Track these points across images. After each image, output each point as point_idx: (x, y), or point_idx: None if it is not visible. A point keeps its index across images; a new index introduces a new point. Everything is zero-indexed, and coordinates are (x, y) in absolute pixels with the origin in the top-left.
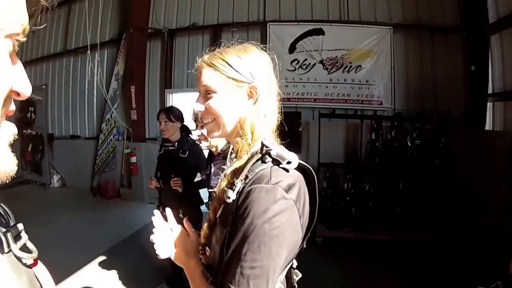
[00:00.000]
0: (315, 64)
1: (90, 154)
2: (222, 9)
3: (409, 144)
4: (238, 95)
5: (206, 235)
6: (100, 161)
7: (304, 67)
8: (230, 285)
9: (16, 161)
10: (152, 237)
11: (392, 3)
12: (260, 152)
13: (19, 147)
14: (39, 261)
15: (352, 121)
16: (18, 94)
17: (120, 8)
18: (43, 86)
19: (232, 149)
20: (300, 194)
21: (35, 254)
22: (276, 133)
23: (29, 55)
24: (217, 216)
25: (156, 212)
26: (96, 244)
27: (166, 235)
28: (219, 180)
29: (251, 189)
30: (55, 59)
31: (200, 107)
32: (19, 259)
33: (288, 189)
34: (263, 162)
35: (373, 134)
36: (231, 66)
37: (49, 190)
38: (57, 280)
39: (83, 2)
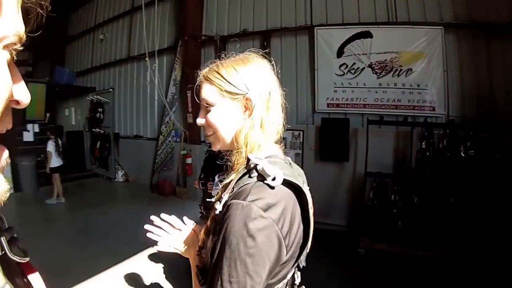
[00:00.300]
0: (363, 68)
1: (151, 154)
2: (270, 15)
3: (462, 154)
4: (234, 108)
5: (203, 240)
6: (159, 161)
7: (352, 71)
8: None
9: (8, 187)
10: (158, 231)
11: (442, 1)
12: (246, 166)
13: (89, 143)
14: (36, 271)
15: (403, 128)
16: (18, 102)
17: (177, 17)
18: (110, 90)
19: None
20: (285, 213)
21: (27, 257)
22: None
23: (98, 61)
24: (210, 227)
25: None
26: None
27: (175, 233)
28: (217, 191)
29: (230, 204)
30: (120, 64)
31: (201, 121)
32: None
33: (267, 208)
34: (250, 176)
35: (423, 143)
36: (225, 79)
37: (113, 184)
38: (110, 264)
39: (143, 12)
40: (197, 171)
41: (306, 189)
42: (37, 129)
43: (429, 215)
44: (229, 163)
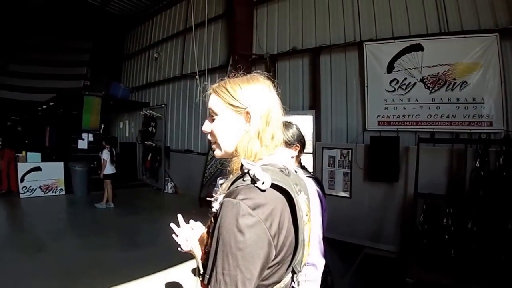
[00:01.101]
0: (415, 83)
1: (200, 168)
2: (319, 32)
3: None
4: (236, 119)
5: (207, 238)
6: (208, 175)
7: (403, 87)
8: (209, 286)
9: None
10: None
11: (496, 4)
12: (241, 171)
13: (141, 155)
14: None
15: (457, 146)
16: None
17: (228, 37)
18: (163, 105)
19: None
20: (273, 214)
21: None
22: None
23: (153, 78)
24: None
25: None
26: None
27: (189, 233)
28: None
29: (223, 202)
30: (173, 81)
31: (207, 128)
32: None
33: (255, 207)
34: (243, 180)
35: (477, 161)
36: (230, 93)
37: (163, 194)
38: (155, 270)
39: (196, 32)
40: None
41: (301, 196)
42: (91, 138)
43: (485, 243)
44: (228, 169)
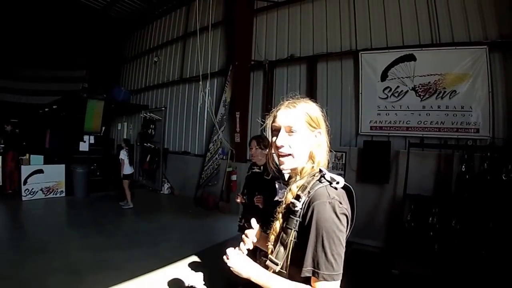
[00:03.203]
0: (407, 91)
1: (197, 169)
2: (316, 41)
3: (504, 178)
4: (310, 136)
5: (276, 233)
6: (205, 176)
7: (396, 94)
8: (317, 269)
9: None
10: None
11: (486, 18)
12: (319, 175)
13: (139, 156)
14: None
15: (445, 151)
16: None
17: (228, 43)
18: (163, 108)
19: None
20: (347, 204)
21: None
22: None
23: (152, 81)
24: (284, 220)
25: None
26: (191, 245)
27: (242, 258)
28: (285, 193)
29: (315, 204)
30: (173, 85)
31: (284, 142)
32: None
33: (340, 201)
34: (320, 182)
35: (463, 166)
36: (309, 115)
37: (159, 195)
38: (156, 267)
39: (195, 37)
40: (241, 187)
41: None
42: (92, 141)
43: (467, 240)
44: (283, 176)
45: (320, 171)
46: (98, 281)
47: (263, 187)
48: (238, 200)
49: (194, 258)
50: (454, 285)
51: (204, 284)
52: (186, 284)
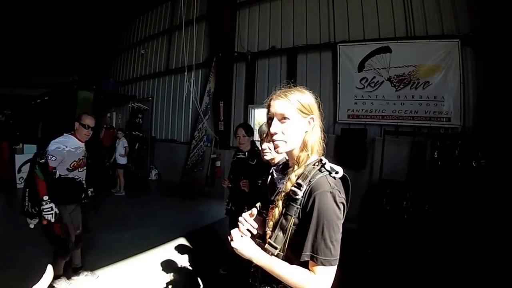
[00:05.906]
0: (383, 81)
1: (183, 156)
2: (296, 33)
3: (474, 164)
4: (303, 123)
5: (274, 219)
6: (191, 162)
7: (372, 84)
8: (316, 254)
9: None
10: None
11: (459, 13)
12: (319, 164)
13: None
14: None
15: (419, 139)
16: None
17: (212, 36)
18: (150, 98)
19: (287, 160)
20: (344, 193)
21: None
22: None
23: (139, 73)
24: (284, 207)
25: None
26: (178, 228)
27: (245, 240)
28: (284, 182)
29: (317, 194)
30: (159, 76)
31: (277, 129)
32: None
33: (339, 190)
34: (320, 171)
35: (435, 153)
36: (300, 102)
37: (147, 181)
38: (146, 249)
39: (181, 30)
40: (225, 173)
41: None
42: None
43: (439, 222)
44: (285, 160)
45: (321, 160)
46: (92, 260)
47: (248, 172)
48: (225, 185)
49: (181, 240)
50: (427, 264)
51: (189, 265)
52: (176, 263)
